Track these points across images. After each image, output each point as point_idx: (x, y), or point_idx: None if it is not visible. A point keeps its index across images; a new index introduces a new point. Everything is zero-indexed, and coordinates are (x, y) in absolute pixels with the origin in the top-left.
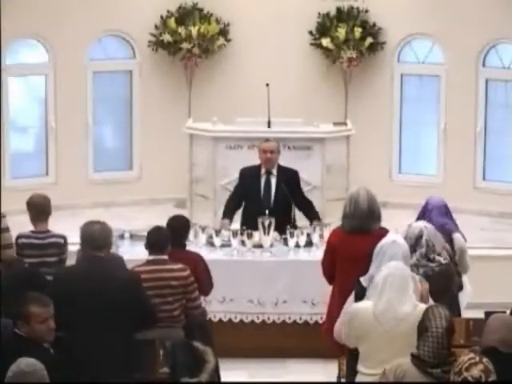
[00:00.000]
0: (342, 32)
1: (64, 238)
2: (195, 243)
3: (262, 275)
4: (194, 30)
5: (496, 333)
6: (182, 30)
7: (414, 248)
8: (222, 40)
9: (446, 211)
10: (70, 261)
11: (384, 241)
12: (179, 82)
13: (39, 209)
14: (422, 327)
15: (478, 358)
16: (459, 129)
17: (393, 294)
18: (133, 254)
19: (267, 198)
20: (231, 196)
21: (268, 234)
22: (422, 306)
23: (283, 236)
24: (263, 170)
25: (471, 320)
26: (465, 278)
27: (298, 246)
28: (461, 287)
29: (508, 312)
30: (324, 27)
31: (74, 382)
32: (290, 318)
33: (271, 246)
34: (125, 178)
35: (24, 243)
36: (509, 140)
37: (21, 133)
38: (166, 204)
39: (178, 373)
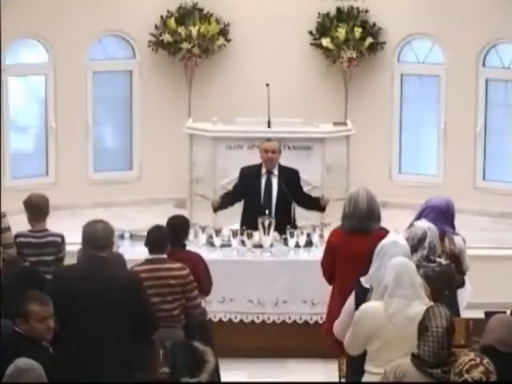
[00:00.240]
0: (341, 32)
1: (61, 236)
2: (195, 243)
3: (262, 275)
4: (194, 30)
5: (495, 332)
6: (181, 30)
7: (415, 248)
8: (222, 40)
9: (444, 214)
10: (70, 260)
11: (384, 241)
12: (179, 82)
13: (37, 209)
14: (423, 327)
15: (478, 360)
16: (459, 129)
17: (404, 292)
18: (133, 253)
19: (268, 197)
20: (229, 191)
21: (268, 234)
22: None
23: (283, 236)
24: (264, 170)
25: (471, 320)
26: (465, 278)
27: (298, 246)
28: (461, 285)
29: (508, 312)
30: (324, 27)
31: (73, 381)
32: (290, 318)
33: (271, 245)
34: (125, 177)
35: (22, 242)
36: (509, 140)
37: (21, 133)
38: (166, 204)
39: (178, 373)
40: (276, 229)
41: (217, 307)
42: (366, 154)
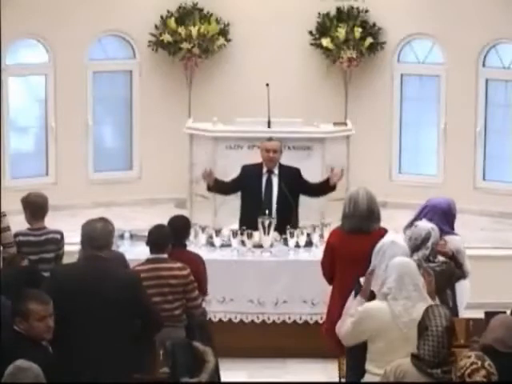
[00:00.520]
0: (341, 32)
1: (60, 233)
2: (195, 243)
3: (262, 275)
4: (194, 30)
5: (494, 332)
6: (181, 30)
7: (418, 248)
8: (222, 40)
9: (443, 214)
10: (70, 260)
11: (383, 241)
12: (179, 82)
13: (37, 208)
14: (422, 326)
15: (480, 363)
16: (459, 129)
17: (407, 293)
18: (133, 253)
19: (268, 197)
20: (227, 182)
21: (268, 234)
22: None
23: (283, 236)
24: (265, 169)
25: (471, 320)
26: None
27: (298, 246)
28: (461, 277)
29: (508, 312)
30: (324, 27)
31: (72, 381)
32: (289, 318)
33: (271, 245)
34: (125, 178)
35: (21, 241)
36: (509, 140)
37: (21, 133)
38: (166, 204)
39: (178, 373)
40: (277, 229)
41: (217, 307)
42: (366, 154)
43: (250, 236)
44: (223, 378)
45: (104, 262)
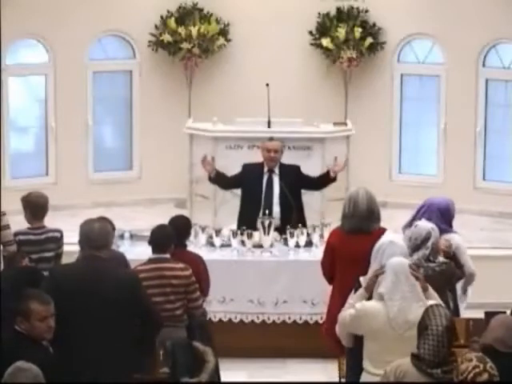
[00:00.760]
0: (342, 32)
1: (60, 232)
2: (195, 243)
3: (262, 275)
4: (194, 30)
5: (494, 332)
6: (181, 30)
7: (418, 248)
8: (222, 40)
9: (442, 213)
10: (70, 260)
11: (382, 241)
12: (179, 82)
13: (37, 208)
14: (422, 326)
15: (482, 366)
16: (459, 129)
17: (403, 293)
18: (133, 253)
19: (269, 197)
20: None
21: (268, 234)
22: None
23: (283, 236)
24: (265, 169)
25: (471, 320)
26: (464, 270)
27: (298, 246)
28: (461, 277)
29: (508, 312)
30: (324, 27)
31: (72, 381)
32: (289, 318)
33: (271, 245)
34: (125, 177)
35: (21, 240)
36: (509, 140)
37: (21, 133)
38: (166, 204)
39: (178, 373)
40: (278, 228)
41: (217, 307)
42: (366, 154)
43: (249, 236)
44: (223, 378)
45: (103, 261)
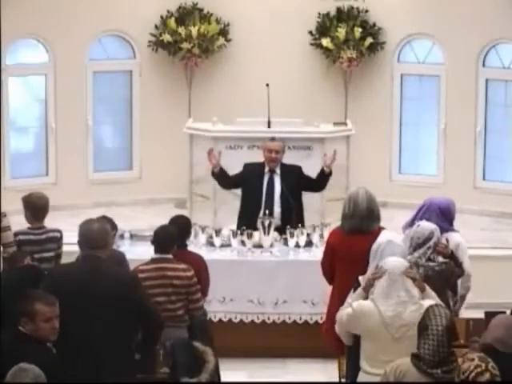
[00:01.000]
0: (341, 32)
1: (60, 232)
2: (195, 243)
3: (262, 275)
4: (193, 30)
5: (494, 332)
6: (181, 30)
7: (419, 247)
8: (221, 40)
9: (442, 212)
10: (70, 259)
11: (379, 240)
12: (179, 82)
13: (38, 208)
14: (423, 326)
15: (484, 366)
16: (459, 129)
17: (398, 294)
18: (133, 253)
19: (270, 197)
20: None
21: (268, 234)
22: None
23: (283, 236)
24: (266, 169)
25: (471, 320)
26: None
27: (298, 246)
28: (460, 275)
29: (508, 312)
30: (324, 27)
31: (74, 382)
32: (289, 318)
33: (271, 245)
34: (125, 177)
35: (22, 240)
36: (509, 140)
37: (21, 133)
38: (166, 204)
39: (178, 373)
40: (278, 228)
41: (217, 307)
42: (366, 154)
43: (249, 236)
44: (223, 378)
45: (102, 261)
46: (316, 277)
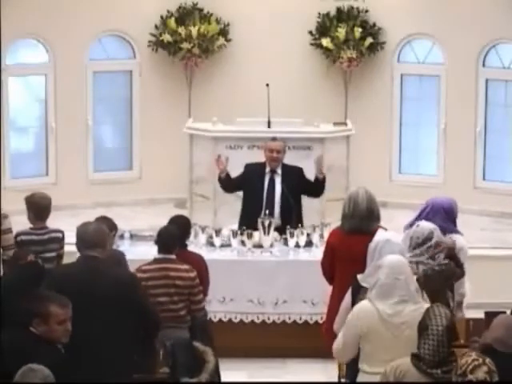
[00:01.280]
0: (341, 32)
1: (62, 232)
2: (195, 243)
3: (261, 275)
4: (193, 30)
5: (494, 332)
6: (181, 30)
7: (419, 246)
8: (221, 40)
9: (446, 212)
10: (70, 259)
11: (376, 239)
12: (179, 82)
13: (40, 209)
14: (423, 326)
15: (481, 360)
16: (459, 129)
17: (399, 293)
18: (133, 253)
19: (270, 197)
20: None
21: (268, 233)
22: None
23: (283, 236)
24: (267, 169)
25: (471, 320)
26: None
27: (298, 246)
28: (460, 276)
29: (508, 312)
30: (324, 27)
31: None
32: (289, 318)
33: (271, 245)
34: (125, 177)
35: (24, 240)
36: (509, 140)
37: (21, 133)
38: (166, 204)
39: (178, 373)
40: (278, 228)
41: (217, 307)
42: (366, 154)
43: (249, 236)
44: (223, 378)
45: (99, 261)
46: (316, 277)
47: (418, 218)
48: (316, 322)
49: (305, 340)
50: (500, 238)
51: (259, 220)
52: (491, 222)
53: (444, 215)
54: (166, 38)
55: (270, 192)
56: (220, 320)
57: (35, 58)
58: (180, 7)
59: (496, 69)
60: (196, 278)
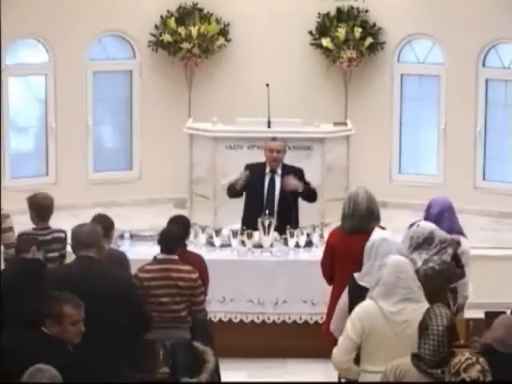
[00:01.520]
0: (341, 32)
1: (64, 232)
2: (195, 243)
3: (261, 275)
4: (193, 30)
5: (495, 331)
6: (181, 30)
7: (420, 246)
8: (221, 40)
9: (452, 212)
10: (70, 259)
11: (373, 238)
12: (179, 82)
13: (42, 209)
14: (423, 326)
15: (474, 359)
16: (459, 129)
17: (402, 293)
18: (133, 253)
19: (271, 197)
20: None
21: (268, 234)
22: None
23: (283, 236)
24: (268, 169)
25: (471, 320)
26: (465, 271)
27: (298, 246)
28: (461, 277)
29: (508, 312)
30: (324, 27)
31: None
32: (289, 318)
33: (271, 245)
34: (125, 177)
35: None
36: (509, 140)
37: (21, 133)
38: (166, 204)
39: (178, 373)
40: (277, 228)
41: (217, 307)
42: (366, 154)
43: (249, 236)
44: (223, 378)
45: (94, 261)
46: (316, 277)
47: (432, 219)
48: (316, 322)
49: (305, 340)
50: (500, 238)
51: (259, 220)
52: (491, 221)
53: (452, 215)
54: (166, 37)
55: (271, 192)
56: (220, 320)
57: (35, 58)
58: (180, 7)
59: (496, 69)
60: (198, 280)
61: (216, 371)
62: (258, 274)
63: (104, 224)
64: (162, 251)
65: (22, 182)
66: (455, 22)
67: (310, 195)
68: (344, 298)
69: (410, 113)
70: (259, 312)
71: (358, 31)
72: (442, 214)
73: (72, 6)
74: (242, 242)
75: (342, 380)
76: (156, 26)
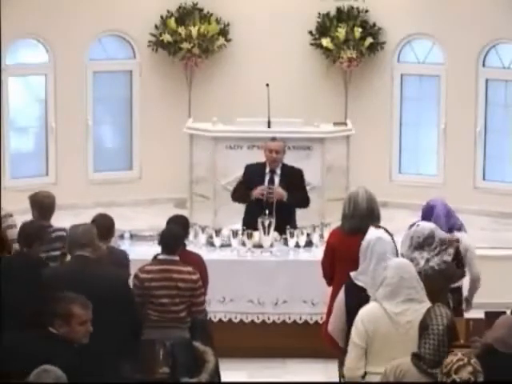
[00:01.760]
0: (341, 32)
1: (65, 230)
2: (195, 243)
3: (261, 275)
4: (193, 30)
5: (496, 331)
6: (181, 30)
7: (420, 246)
8: (221, 40)
9: (452, 210)
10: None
11: (368, 238)
12: (179, 82)
13: (45, 208)
14: (423, 326)
15: (466, 360)
16: (459, 129)
17: (406, 294)
18: (133, 253)
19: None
20: (238, 186)
21: (268, 234)
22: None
23: (283, 236)
24: (267, 169)
25: (471, 320)
26: (465, 271)
27: (298, 246)
28: (461, 277)
29: (508, 312)
30: (324, 27)
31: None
32: (289, 318)
33: (271, 245)
34: (125, 177)
35: None
36: (509, 140)
37: (21, 133)
38: (166, 204)
39: (178, 373)
40: (277, 229)
41: (217, 307)
42: (366, 154)
43: (249, 236)
44: (223, 378)
45: (90, 261)
46: (316, 277)
47: (424, 220)
48: (316, 322)
49: (305, 340)
50: (500, 238)
51: (259, 220)
52: (491, 221)
53: (452, 213)
54: (166, 37)
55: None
56: (220, 320)
57: (35, 58)
58: (180, 7)
59: (496, 69)
60: (199, 281)
61: (216, 371)
62: (258, 274)
63: (105, 223)
64: (163, 251)
65: (22, 181)
66: (455, 21)
67: (299, 203)
68: (341, 296)
69: (410, 113)
70: (259, 312)
71: (357, 31)
72: (439, 216)
73: (72, 6)
74: (242, 242)
75: (342, 380)
76: (156, 26)
